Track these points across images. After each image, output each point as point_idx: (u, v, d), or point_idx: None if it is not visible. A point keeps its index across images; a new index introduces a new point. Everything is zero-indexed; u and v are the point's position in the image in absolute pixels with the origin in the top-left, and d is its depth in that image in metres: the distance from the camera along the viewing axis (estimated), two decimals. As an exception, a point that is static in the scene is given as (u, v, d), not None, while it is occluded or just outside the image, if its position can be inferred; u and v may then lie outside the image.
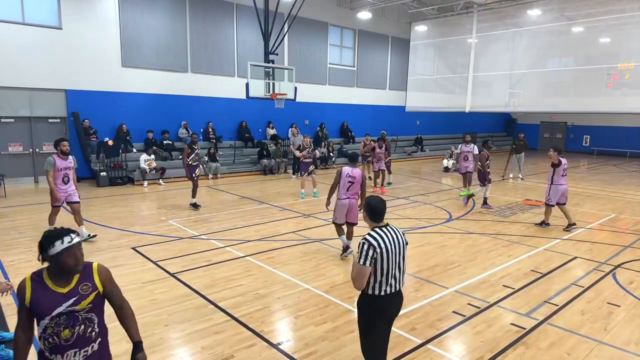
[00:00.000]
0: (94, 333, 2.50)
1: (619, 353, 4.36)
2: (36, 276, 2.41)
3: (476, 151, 12.62)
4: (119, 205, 10.75)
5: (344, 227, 7.05)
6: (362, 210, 3.52)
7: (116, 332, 2.71)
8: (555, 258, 7.18)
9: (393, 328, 3.48)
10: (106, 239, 7.76)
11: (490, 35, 18.32)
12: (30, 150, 13.39)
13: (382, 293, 3.16)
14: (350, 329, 4.64)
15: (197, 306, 5.20)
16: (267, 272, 6.36)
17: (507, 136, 30.40)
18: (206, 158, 14.93)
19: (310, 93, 19.13)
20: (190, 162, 10.21)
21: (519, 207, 11.10)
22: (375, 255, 3.07)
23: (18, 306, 2.43)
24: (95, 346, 2.52)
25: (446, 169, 18.00)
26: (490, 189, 11.17)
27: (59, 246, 2.35)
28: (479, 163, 10.88)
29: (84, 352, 2.46)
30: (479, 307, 5.28)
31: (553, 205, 8.85)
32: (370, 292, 3.17)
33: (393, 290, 3.21)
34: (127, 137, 14.57)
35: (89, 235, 7.56)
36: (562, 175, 8.75)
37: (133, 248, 7.31)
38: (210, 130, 16.52)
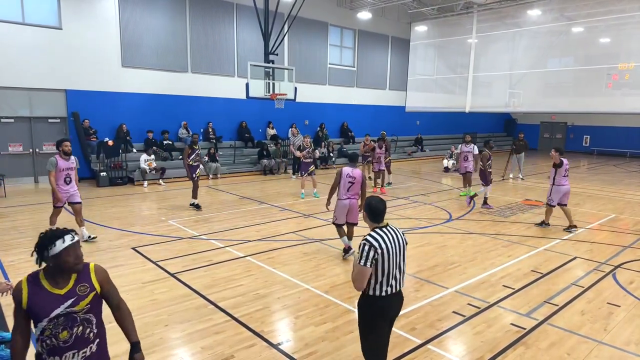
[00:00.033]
0: (92, 334, 2.48)
1: (619, 353, 4.36)
2: (32, 278, 2.39)
3: (476, 151, 12.62)
4: (119, 205, 10.75)
5: (344, 227, 7.05)
6: (362, 211, 3.52)
7: (116, 332, 2.71)
8: (555, 258, 7.18)
9: (393, 328, 3.48)
10: (106, 239, 7.76)
11: (490, 35, 18.32)
12: (30, 150, 13.38)
13: (383, 294, 3.16)
14: (350, 329, 4.64)
15: (197, 306, 5.20)
16: (267, 272, 6.36)
17: (507, 136, 30.40)
18: (206, 158, 14.93)
19: (310, 93, 19.13)
20: (190, 163, 10.21)
21: (519, 207, 11.10)
22: (376, 256, 3.06)
23: (14, 309, 2.40)
24: (94, 347, 2.50)
25: (446, 169, 18.00)
26: (491, 189, 11.16)
27: (60, 245, 2.33)
28: (481, 163, 10.87)
29: (83, 353, 2.45)
30: (479, 307, 5.28)
31: (554, 206, 8.84)
32: (371, 293, 3.17)
33: (394, 291, 3.21)
34: (127, 137, 14.57)
35: (89, 236, 7.56)
36: (564, 176, 8.72)
37: (133, 248, 7.31)
38: (210, 130, 16.52)
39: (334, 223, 7.09)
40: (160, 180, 13.77)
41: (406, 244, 3.32)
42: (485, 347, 4.38)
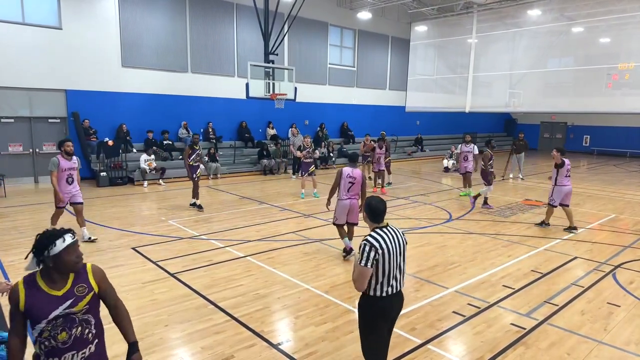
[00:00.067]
0: (91, 334, 2.47)
1: (619, 353, 4.36)
2: (29, 280, 2.37)
3: (476, 151, 12.62)
4: (119, 205, 10.75)
5: (345, 227, 7.04)
6: (362, 211, 3.52)
7: (115, 332, 2.70)
8: (555, 258, 7.18)
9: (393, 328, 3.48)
10: (106, 239, 7.76)
11: (490, 35, 18.32)
12: (30, 150, 13.38)
13: (384, 294, 3.16)
14: (351, 329, 4.64)
15: (197, 306, 5.20)
16: (267, 272, 6.36)
17: (507, 136, 30.40)
18: (206, 158, 14.94)
19: (310, 93, 19.13)
20: (191, 163, 10.21)
21: (519, 207, 11.10)
22: (376, 257, 3.06)
23: (10, 312, 2.37)
24: (93, 347, 2.49)
25: (446, 169, 18.00)
26: (492, 189, 11.16)
27: (60, 245, 2.32)
28: (482, 162, 10.86)
29: (82, 353, 2.44)
30: (479, 307, 5.28)
31: (556, 206, 8.81)
32: (371, 293, 3.16)
33: (394, 291, 3.20)
34: (127, 137, 14.57)
35: (89, 238, 7.55)
36: (566, 176, 8.70)
37: (133, 248, 7.31)
38: (210, 130, 16.52)
39: (334, 224, 7.08)
40: (160, 180, 13.77)
41: (406, 244, 3.32)
42: (485, 347, 4.38)
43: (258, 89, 13.36)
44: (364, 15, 19.72)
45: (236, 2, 16.70)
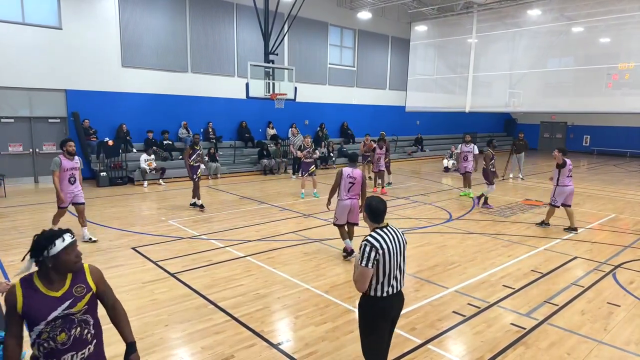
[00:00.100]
0: (89, 335, 2.46)
1: (619, 353, 4.36)
2: (26, 282, 2.33)
3: (476, 151, 12.62)
4: (119, 205, 10.75)
5: (345, 228, 7.03)
6: (362, 211, 3.52)
7: (114, 332, 2.69)
8: (555, 258, 7.18)
9: (393, 328, 3.48)
10: (106, 239, 7.76)
11: (490, 35, 18.32)
12: (30, 150, 13.38)
13: (384, 294, 3.15)
14: (351, 329, 4.64)
15: (197, 306, 5.20)
16: (267, 272, 6.36)
17: (507, 136, 30.40)
18: (206, 158, 14.94)
19: (310, 93, 19.13)
20: (192, 163, 10.21)
21: (519, 207, 11.10)
22: (377, 257, 3.06)
23: (6, 314, 2.34)
24: (92, 348, 2.48)
25: (446, 169, 18.00)
26: (494, 188, 11.16)
27: (60, 244, 2.31)
28: (484, 162, 10.85)
29: (81, 354, 2.43)
30: (479, 307, 5.28)
31: (558, 207, 8.78)
32: (372, 293, 3.16)
33: (394, 292, 3.20)
34: (127, 137, 14.58)
35: (90, 238, 7.55)
36: (568, 176, 8.67)
37: (133, 248, 7.31)
38: (210, 130, 16.52)
39: (335, 224, 7.07)
40: (160, 180, 13.77)
41: (406, 243, 3.32)
42: (485, 347, 4.39)
43: (258, 88, 13.36)
44: (364, 15, 19.72)
45: (236, 2, 16.70)
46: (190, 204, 10.42)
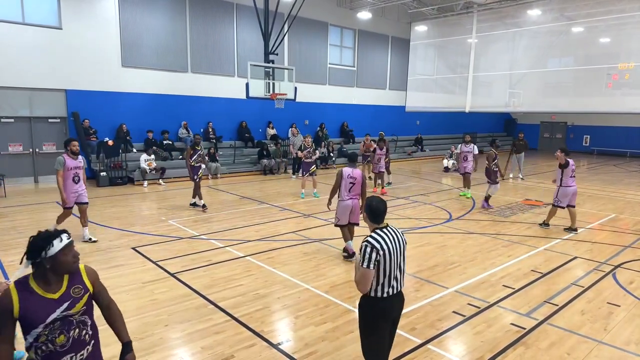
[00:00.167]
0: (87, 336, 2.45)
1: (619, 353, 4.36)
2: (21, 284, 2.28)
3: (476, 151, 12.61)
4: (119, 205, 10.75)
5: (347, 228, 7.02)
6: (362, 212, 3.52)
7: (111, 333, 2.69)
8: (556, 258, 7.18)
9: (393, 328, 3.48)
10: (106, 239, 7.76)
11: (490, 35, 18.33)
12: (30, 150, 13.38)
13: (385, 295, 3.15)
14: (351, 329, 4.64)
15: (197, 306, 5.20)
16: (267, 272, 6.36)
17: (507, 136, 30.41)
18: (206, 158, 14.92)
19: (310, 93, 19.13)
20: (193, 163, 10.21)
21: (519, 207, 11.10)
22: (378, 258, 3.05)
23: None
24: (90, 348, 2.47)
25: (446, 169, 18.00)
26: (499, 187, 11.14)
27: (57, 245, 2.29)
28: (487, 162, 10.84)
29: (80, 355, 2.41)
30: (479, 307, 5.28)
31: (563, 207, 8.73)
32: (372, 294, 3.15)
33: (395, 292, 3.20)
34: (127, 137, 14.58)
35: (90, 238, 7.55)
36: (571, 177, 8.64)
37: (133, 248, 7.31)
38: (210, 130, 16.52)
39: (336, 225, 7.04)
40: (160, 180, 13.78)
41: (406, 244, 3.32)
42: (485, 347, 4.38)
43: (258, 88, 13.37)
44: (364, 15, 19.72)
45: (236, 2, 16.70)
46: (190, 204, 10.42)
